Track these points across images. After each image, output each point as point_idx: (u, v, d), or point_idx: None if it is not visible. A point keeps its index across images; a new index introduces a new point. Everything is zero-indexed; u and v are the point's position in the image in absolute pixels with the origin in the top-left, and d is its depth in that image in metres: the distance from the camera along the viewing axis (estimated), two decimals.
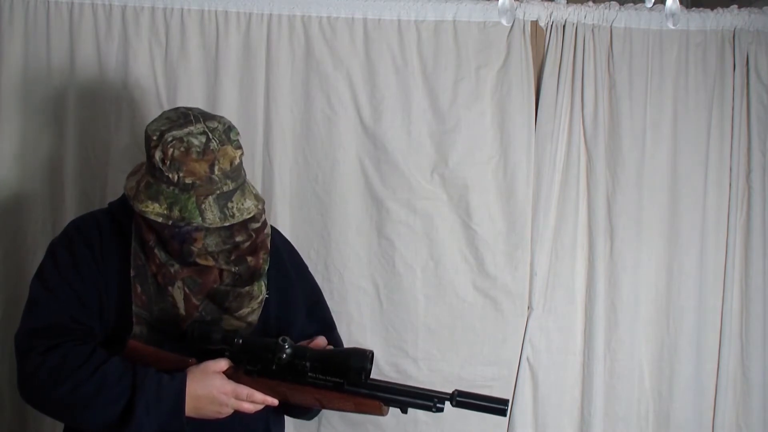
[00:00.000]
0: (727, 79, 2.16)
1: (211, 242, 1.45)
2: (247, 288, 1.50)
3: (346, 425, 2.12)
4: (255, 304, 1.53)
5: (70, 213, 1.95)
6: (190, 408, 1.41)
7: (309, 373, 1.44)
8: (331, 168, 2.09)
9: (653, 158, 2.15)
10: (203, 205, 1.41)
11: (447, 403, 1.44)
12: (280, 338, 1.44)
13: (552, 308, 2.15)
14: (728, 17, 2.15)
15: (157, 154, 1.42)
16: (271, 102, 2.08)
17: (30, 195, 2.04)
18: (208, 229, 1.43)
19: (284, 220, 2.08)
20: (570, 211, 2.14)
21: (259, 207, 1.49)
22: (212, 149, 1.42)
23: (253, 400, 1.44)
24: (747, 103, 2.17)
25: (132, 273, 1.48)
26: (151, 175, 1.45)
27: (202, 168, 1.41)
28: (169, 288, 1.47)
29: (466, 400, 1.43)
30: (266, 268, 1.55)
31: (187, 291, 1.47)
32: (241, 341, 1.44)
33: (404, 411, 1.45)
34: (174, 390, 1.40)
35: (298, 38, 2.08)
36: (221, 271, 1.49)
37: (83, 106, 2.03)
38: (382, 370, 2.11)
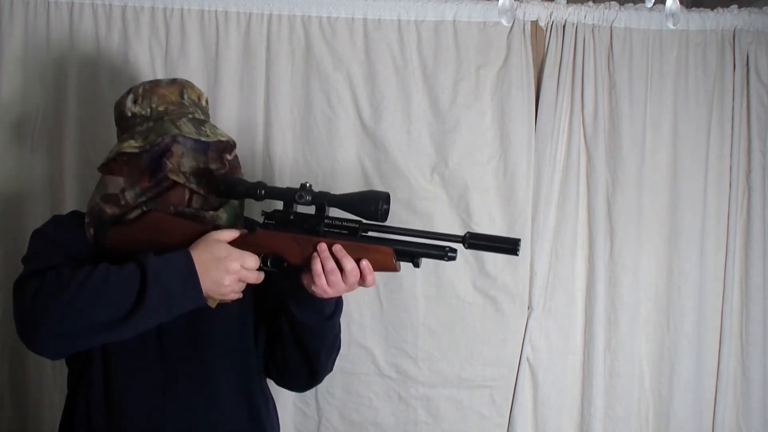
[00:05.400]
0: (727, 79, 2.15)
1: (186, 162, 1.47)
2: (211, 213, 1.47)
3: (346, 425, 2.12)
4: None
5: None
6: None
7: (325, 220, 1.43)
8: (331, 168, 2.09)
9: (653, 158, 2.15)
10: (178, 122, 1.45)
11: (460, 245, 1.39)
12: (303, 182, 1.45)
13: (552, 308, 2.15)
14: (728, 17, 2.15)
15: (128, 99, 1.48)
16: (271, 102, 2.08)
17: (30, 195, 2.05)
18: (185, 144, 1.45)
19: None
20: (570, 211, 2.14)
21: (232, 141, 1.52)
22: (179, 81, 1.51)
23: (245, 265, 1.39)
24: (747, 103, 2.17)
25: None
26: (121, 133, 1.49)
27: (172, 94, 1.48)
28: None
29: (477, 242, 1.39)
30: (238, 205, 1.53)
31: None
32: (263, 191, 1.44)
33: (416, 264, 1.41)
34: (181, 256, 1.35)
35: (298, 38, 2.08)
36: (191, 195, 1.48)
37: (83, 106, 2.03)
38: (381, 370, 2.11)
